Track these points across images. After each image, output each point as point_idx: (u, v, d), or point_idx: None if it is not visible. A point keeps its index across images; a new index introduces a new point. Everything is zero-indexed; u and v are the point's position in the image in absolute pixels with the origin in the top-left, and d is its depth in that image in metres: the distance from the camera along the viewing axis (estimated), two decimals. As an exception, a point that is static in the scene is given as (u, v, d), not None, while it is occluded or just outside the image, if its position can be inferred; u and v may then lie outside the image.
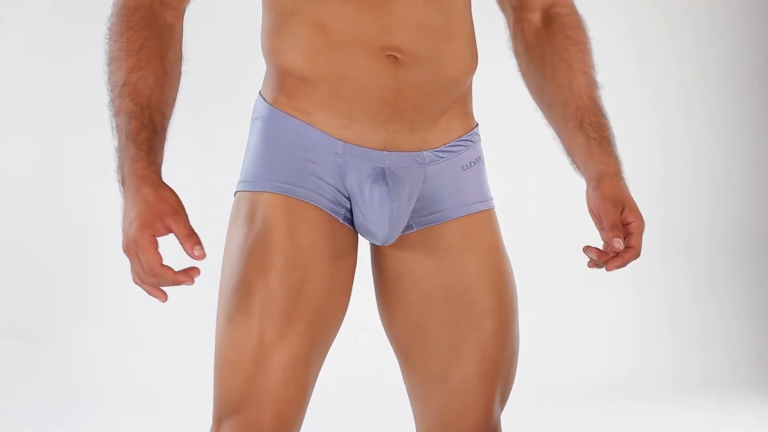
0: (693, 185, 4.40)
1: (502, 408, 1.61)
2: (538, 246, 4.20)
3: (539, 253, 4.20)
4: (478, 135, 1.62)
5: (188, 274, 1.29)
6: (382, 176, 1.51)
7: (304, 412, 1.50)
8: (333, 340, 1.54)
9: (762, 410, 3.71)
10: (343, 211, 1.52)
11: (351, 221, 1.54)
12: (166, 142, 1.39)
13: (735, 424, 3.53)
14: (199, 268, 1.30)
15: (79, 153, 3.85)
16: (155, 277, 1.29)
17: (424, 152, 1.53)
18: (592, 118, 1.54)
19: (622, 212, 1.50)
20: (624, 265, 1.48)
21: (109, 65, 1.42)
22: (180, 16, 1.49)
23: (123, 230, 1.33)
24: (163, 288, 1.34)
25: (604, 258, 1.47)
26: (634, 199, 1.52)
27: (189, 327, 3.73)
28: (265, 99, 1.55)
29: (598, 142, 1.53)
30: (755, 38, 4.46)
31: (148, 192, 1.31)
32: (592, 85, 1.57)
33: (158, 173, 1.34)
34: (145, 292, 1.35)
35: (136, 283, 1.34)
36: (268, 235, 1.46)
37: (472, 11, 1.61)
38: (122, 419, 3.41)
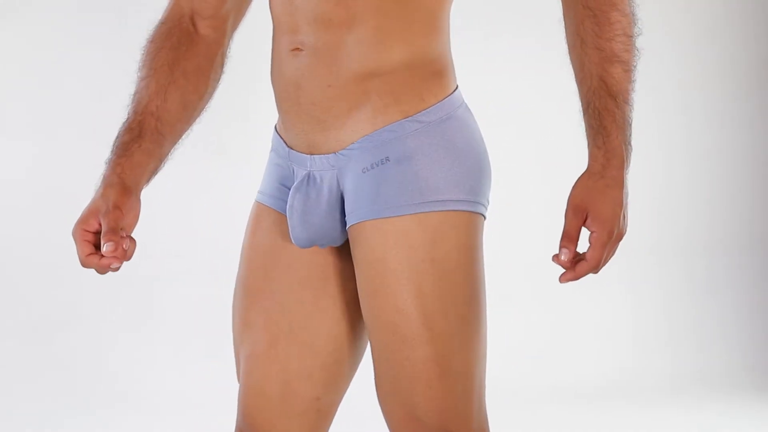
0: (692, 186, 4.39)
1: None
2: (536, 247, 4.18)
3: (537, 254, 4.17)
4: (397, 132, 1.44)
5: (114, 260, 1.37)
6: (305, 179, 1.51)
7: (293, 397, 1.53)
8: (323, 335, 1.53)
9: (761, 411, 3.71)
10: None
11: None
12: (164, 145, 1.48)
13: (733, 426, 3.53)
14: (118, 261, 1.37)
15: (78, 156, 3.84)
16: (85, 266, 1.40)
17: (332, 155, 1.48)
18: (597, 103, 1.40)
19: (585, 219, 1.39)
20: (575, 278, 1.38)
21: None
22: (218, 27, 1.56)
23: None
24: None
25: (566, 266, 1.39)
26: (623, 199, 1.40)
27: (192, 328, 3.73)
28: None
29: (594, 131, 1.41)
30: (754, 39, 4.46)
31: (99, 191, 1.43)
32: (606, 62, 1.40)
33: (120, 174, 1.43)
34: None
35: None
36: (245, 238, 1.60)
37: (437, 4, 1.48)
38: (123, 420, 3.41)
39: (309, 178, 1.50)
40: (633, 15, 1.43)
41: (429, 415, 1.42)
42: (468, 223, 1.45)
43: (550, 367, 3.96)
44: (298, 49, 1.45)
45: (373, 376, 1.48)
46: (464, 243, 1.44)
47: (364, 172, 1.45)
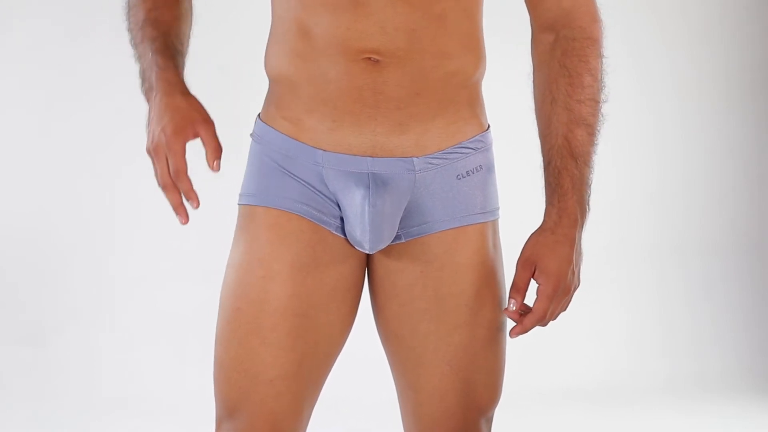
0: (687, 189, 4.40)
1: (488, 418, 1.58)
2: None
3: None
4: (484, 142, 1.54)
5: (194, 199, 1.39)
6: (365, 182, 1.48)
7: (304, 421, 1.51)
8: (337, 350, 1.54)
9: (756, 414, 3.71)
10: (335, 221, 1.51)
11: (344, 231, 1.52)
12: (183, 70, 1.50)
13: (728, 428, 3.54)
14: (198, 201, 1.39)
15: (74, 161, 3.85)
16: (178, 182, 1.38)
17: (415, 158, 1.48)
18: (558, 162, 1.47)
19: (534, 273, 1.47)
20: (523, 331, 1.45)
21: (128, 11, 1.54)
22: None
23: (151, 132, 1.42)
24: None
25: (513, 317, 1.47)
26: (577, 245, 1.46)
27: (187, 332, 3.72)
28: (260, 114, 1.59)
29: (551, 188, 1.48)
30: (749, 42, 4.47)
31: (180, 100, 1.42)
32: (573, 123, 1.47)
33: (185, 84, 1.45)
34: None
35: (161, 185, 1.41)
36: (253, 249, 1.49)
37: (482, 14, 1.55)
38: (119, 425, 3.40)
39: (372, 179, 1.48)
40: (603, 82, 1.51)
41: (481, 410, 1.55)
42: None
43: (544, 369, 3.96)
44: (371, 58, 1.43)
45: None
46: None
47: (460, 179, 1.51)
